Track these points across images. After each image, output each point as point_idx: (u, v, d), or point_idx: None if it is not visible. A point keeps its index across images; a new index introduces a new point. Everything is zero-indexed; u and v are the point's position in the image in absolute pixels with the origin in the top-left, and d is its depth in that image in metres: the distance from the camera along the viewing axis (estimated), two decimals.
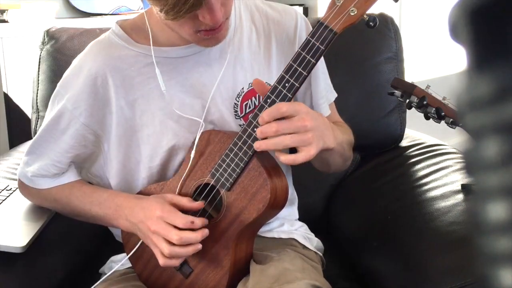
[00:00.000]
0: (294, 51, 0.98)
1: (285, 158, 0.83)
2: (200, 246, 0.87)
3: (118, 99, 0.95)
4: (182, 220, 0.86)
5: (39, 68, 1.32)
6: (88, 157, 1.01)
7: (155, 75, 0.93)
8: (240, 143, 0.88)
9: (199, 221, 0.87)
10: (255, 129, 0.86)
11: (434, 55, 2.79)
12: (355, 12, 0.80)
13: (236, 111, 0.96)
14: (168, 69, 0.94)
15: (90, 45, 0.99)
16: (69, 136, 0.97)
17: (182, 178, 0.93)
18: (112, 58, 0.95)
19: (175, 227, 0.87)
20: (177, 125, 0.95)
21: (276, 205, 0.90)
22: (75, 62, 0.99)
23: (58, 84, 0.99)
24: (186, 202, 0.90)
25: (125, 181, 1.00)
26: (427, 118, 1.03)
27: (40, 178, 1.01)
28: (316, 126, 0.82)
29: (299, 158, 0.82)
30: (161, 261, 0.88)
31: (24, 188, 1.06)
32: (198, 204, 0.90)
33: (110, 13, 2.47)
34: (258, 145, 0.84)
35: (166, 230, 0.86)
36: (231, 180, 0.89)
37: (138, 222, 0.90)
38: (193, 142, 0.93)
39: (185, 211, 0.89)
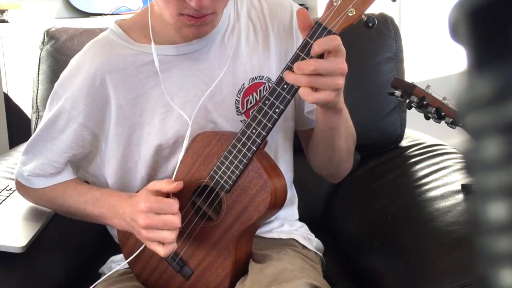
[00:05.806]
0: (292, 43, 0.98)
1: (305, 93, 0.79)
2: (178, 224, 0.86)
3: (117, 98, 0.94)
4: (169, 205, 0.86)
5: (39, 68, 1.32)
6: (85, 156, 1.01)
7: (155, 74, 0.93)
8: (239, 145, 0.87)
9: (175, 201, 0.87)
10: (254, 131, 0.86)
11: (434, 55, 2.79)
12: (354, 13, 0.79)
13: (237, 107, 0.96)
14: (167, 67, 0.94)
15: (88, 45, 0.99)
16: (67, 136, 0.97)
17: (174, 177, 0.93)
18: (111, 57, 0.95)
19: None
20: (177, 123, 0.95)
21: (276, 205, 0.90)
22: (73, 61, 0.99)
23: (56, 84, 0.99)
24: (164, 185, 0.88)
25: (122, 181, 1.00)
26: (427, 118, 1.03)
27: (36, 178, 1.01)
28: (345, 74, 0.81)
29: (319, 96, 0.79)
30: (161, 252, 0.87)
31: (21, 187, 1.06)
32: (177, 184, 0.88)
33: (110, 13, 2.47)
34: (288, 77, 0.81)
35: (156, 219, 0.85)
36: (230, 182, 0.88)
37: (131, 220, 0.90)
38: (188, 141, 0.93)
39: (181, 206, 0.89)
